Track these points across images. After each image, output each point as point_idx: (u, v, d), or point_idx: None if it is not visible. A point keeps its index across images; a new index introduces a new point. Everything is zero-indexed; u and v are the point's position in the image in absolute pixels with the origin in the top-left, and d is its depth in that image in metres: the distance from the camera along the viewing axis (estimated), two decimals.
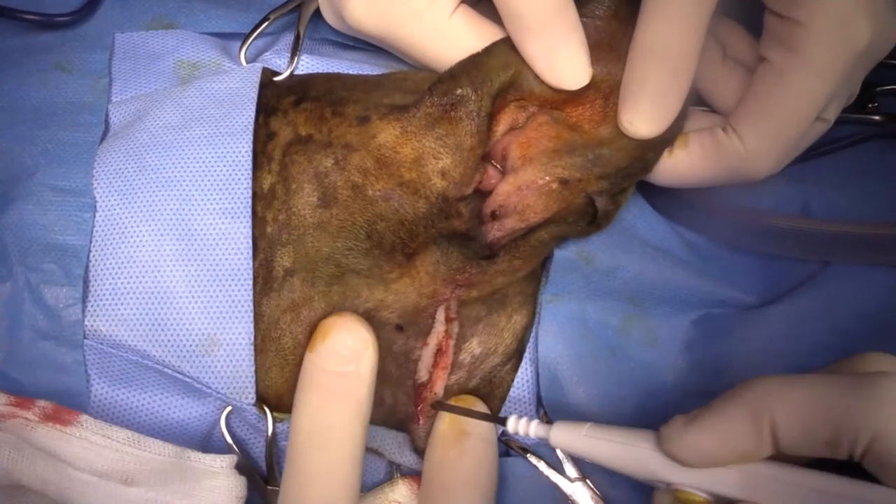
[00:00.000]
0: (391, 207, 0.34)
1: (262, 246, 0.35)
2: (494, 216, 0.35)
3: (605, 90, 0.34)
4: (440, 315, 0.36)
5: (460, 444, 0.35)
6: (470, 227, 0.35)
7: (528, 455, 0.38)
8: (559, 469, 0.38)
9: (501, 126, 0.35)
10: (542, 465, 0.38)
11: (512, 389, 0.37)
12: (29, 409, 0.31)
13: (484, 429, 0.36)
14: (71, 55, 0.37)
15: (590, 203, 0.35)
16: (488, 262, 0.36)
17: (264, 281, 0.35)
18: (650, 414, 0.38)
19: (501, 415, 0.37)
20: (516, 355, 0.38)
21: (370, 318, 0.35)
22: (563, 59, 0.33)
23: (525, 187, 0.34)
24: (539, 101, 0.34)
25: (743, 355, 0.38)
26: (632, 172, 0.35)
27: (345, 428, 0.32)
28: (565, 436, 0.32)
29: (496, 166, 0.36)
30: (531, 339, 0.38)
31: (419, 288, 0.36)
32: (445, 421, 0.36)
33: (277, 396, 0.35)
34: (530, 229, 0.35)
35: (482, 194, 0.36)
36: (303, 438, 0.32)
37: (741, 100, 0.34)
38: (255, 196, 0.35)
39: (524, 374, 0.37)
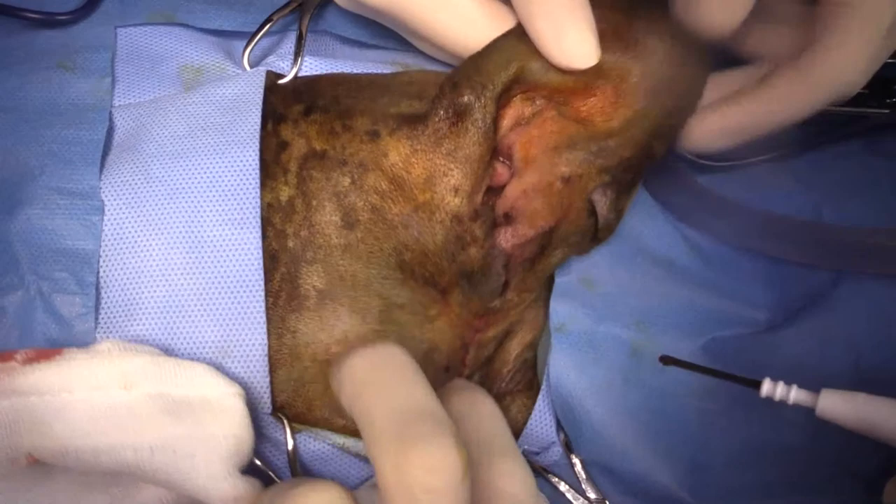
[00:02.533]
0: (412, 236, 0.34)
1: (283, 259, 0.34)
2: (508, 218, 0.35)
3: (612, 79, 0.33)
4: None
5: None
6: (485, 254, 0.34)
7: (549, 475, 0.37)
8: (579, 490, 0.37)
9: (507, 121, 0.34)
10: (562, 486, 0.37)
11: (532, 417, 0.37)
12: (11, 359, 0.30)
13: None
14: (73, 53, 0.36)
15: (591, 212, 0.34)
16: (502, 300, 0.36)
17: (289, 297, 0.34)
18: (667, 438, 0.37)
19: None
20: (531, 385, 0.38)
21: (425, 360, 0.34)
22: (571, 37, 0.32)
23: (531, 190, 0.34)
24: (545, 90, 0.34)
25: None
26: (635, 163, 0.34)
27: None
28: (837, 405, 0.31)
29: (504, 162, 0.35)
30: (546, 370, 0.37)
31: (454, 328, 0.35)
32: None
33: (308, 404, 0.35)
34: (535, 260, 0.35)
35: (493, 194, 0.35)
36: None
37: (818, 18, 0.33)
38: (272, 207, 0.34)
39: (542, 402, 0.37)
